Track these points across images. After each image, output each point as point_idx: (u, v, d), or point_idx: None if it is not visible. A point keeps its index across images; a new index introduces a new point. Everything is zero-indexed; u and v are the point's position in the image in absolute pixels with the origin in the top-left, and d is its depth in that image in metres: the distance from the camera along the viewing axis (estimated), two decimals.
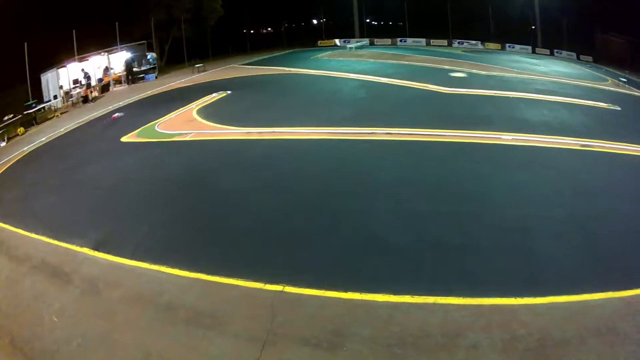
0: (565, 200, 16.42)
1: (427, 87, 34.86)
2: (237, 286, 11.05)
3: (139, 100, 33.27)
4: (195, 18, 53.82)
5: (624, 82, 46.07)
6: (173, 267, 11.84)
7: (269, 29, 79.21)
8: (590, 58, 69.80)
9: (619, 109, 32.05)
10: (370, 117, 25.16)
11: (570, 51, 72.85)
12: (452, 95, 32.43)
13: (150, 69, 44.97)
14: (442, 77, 40.25)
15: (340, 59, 53.79)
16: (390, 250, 12.85)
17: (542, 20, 77.25)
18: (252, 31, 74.51)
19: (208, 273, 11.51)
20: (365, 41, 72.80)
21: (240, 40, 69.10)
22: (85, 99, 33.89)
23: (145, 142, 22.66)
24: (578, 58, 71.08)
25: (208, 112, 27.15)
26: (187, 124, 24.65)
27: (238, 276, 11.32)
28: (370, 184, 17.27)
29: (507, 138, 22.59)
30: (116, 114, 31.14)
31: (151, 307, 10.52)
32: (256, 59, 55.23)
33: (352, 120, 24.44)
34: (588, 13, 70.89)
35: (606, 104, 32.73)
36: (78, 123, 27.50)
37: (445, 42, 76.44)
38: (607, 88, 42.49)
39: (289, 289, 10.91)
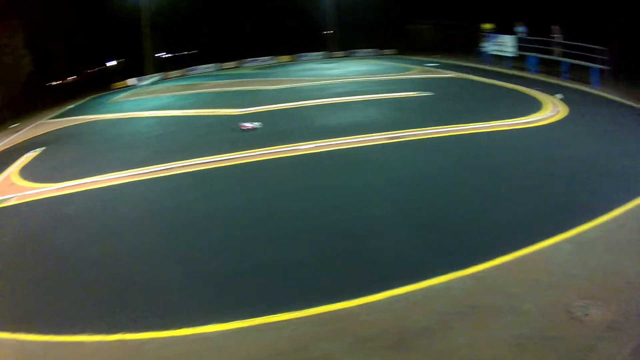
0: (384, 196, 17.34)
1: (218, 112, 36.04)
2: (82, 342, 10.87)
3: None
4: (6, 78, 51.94)
5: (433, 66, 49.50)
6: (17, 332, 11.48)
7: (73, 76, 78.31)
8: (393, 51, 74.77)
9: (431, 94, 34.54)
10: (170, 152, 25.37)
11: (370, 48, 77.31)
12: (245, 116, 32.99)
13: None
14: (233, 100, 41.83)
15: (136, 98, 54.03)
16: (217, 280, 12.95)
17: (339, 22, 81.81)
18: (57, 82, 73.85)
19: (55, 334, 11.23)
20: (158, 76, 73.43)
21: (47, 93, 65.11)
22: None
23: None
24: (380, 53, 75.63)
25: (27, 173, 26.18)
26: (9, 188, 23.73)
27: (82, 332, 11.13)
28: (191, 218, 17.31)
29: (308, 147, 23.39)
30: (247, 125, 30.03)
31: None
32: (62, 110, 54.06)
33: (151, 159, 24.53)
34: (385, 8, 75.47)
35: (414, 93, 35.15)
36: None
37: (236, 63, 78.89)
38: (413, 77, 45.86)
39: (128, 336, 10.85)
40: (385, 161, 21.15)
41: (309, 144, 23.97)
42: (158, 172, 22.64)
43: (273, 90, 45.40)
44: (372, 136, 24.38)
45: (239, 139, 27.14)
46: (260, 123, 29.27)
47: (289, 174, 20.87)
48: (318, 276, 12.52)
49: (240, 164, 22.53)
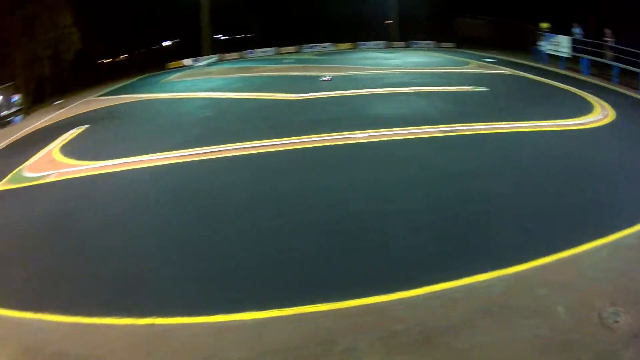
0: (428, 190, 17.13)
1: (274, 96, 35.78)
2: (113, 325, 10.84)
3: (10, 145, 32.10)
4: (55, 54, 52.87)
5: (490, 62, 49.10)
6: (52, 314, 11.49)
7: (125, 55, 78.57)
8: (451, 44, 73.78)
9: (486, 89, 34.14)
10: (218, 134, 25.42)
11: (429, 40, 76.33)
12: (301, 101, 33.40)
13: (17, 111, 43.10)
14: (289, 84, 41.56)
15: (189, 79, 54.10)
16: (248, 268, 12.88)
17: (400, 12, 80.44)
18: (108, 60, 73.95)
19: (85, 316, 11.20)
20: (214, 58, 73.43)
21: (96, 71, 67.80)
22: None
23: (14, 188, 21.82)
24: (438, 46, 74.71)
25: (68, 150, 26.49)
26: (50, 164, 23.94)
27: (112, 315, 11.09)
28: (222, 204, 17.30)
29: (360, 136, 23.15)
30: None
31: None
32: (111, 89, 54.06)
33: (200, 141, 24.57)
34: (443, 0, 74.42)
35: (470, 87, 34.82)
36: None
37: (295, 48, 78.66)
38: (470, 71, 45.41)
39: (159, 320, 10.86)
40: (432, 155, 20.93)
41: (360, 132, 23.75)
42: (202, 154, 22.68)
43: (331, 77, 44.71)
44: (423, 128, 24.09)
45: (293, 123, 27.12)
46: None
47: (334, 163, 20.71)
48: (351, 270, 12.40)
49: (287, 150, 22.46)
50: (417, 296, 10.92)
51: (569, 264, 12.16)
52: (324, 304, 10.79)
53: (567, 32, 46.15)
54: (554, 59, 48.04)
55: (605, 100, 30.17)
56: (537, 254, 12.36)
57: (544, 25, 51.25)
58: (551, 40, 49.11)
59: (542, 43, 50.68)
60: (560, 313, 10.17)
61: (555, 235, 13.51)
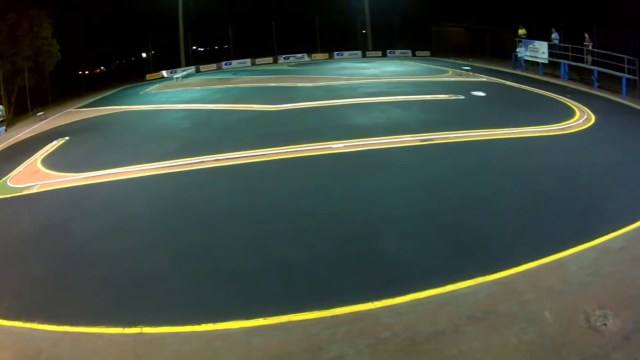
0: (411, 198, 17.23)
1: (252, 107, 35.83)
2: (101, 334, 10.93)
3: None
4: (35, 65, 52.57)
5: (467, 70, 49.17)
6: (43, 323, 11.51)
7: (102, 67, 78.44)
8: (427, 52, 74.56)
9: (463, 97, 34.43)
10: (198, 146, 25.49)
11: (405, 49, 77.09)
12: (278, 112, 33.44)
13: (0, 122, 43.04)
14: (267, 95, 41.67)
15: (168, 90, 53.88)
16: (237, 277, 12.98)
17: (374, 22, 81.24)
18: (86, 72, 73.89)
19: (73, 325, 11.28)
20: (192, 69, 72.99)
21: (75, 82, 66.45)
22: None
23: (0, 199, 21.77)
24: (414, 55, 75.60)
25: (50, 161, 26.45)
26: (34, 176, 23.95)
27: (99, 324, 11.17)
28: (214, 214, 17.32)
29: (339, 146, 23.37)
30: None
31: None
32: (90, 100, 54.27)
33: (181, 152, 24.62)
34: (420, 8, 74.37)
35: (447, 95, 35.08)
36: None
37: (270, 59, 78.66)
38: (447, 79, 45.64)
39: (147, 329, 10.92)
40: (413, 163, 21.15)
41: (339, 142, 23.97)
42: (183, 165, 22.68)
43: (308, 87, 45.40)
44: (402, 137, 24.38)
45: (270, 135, 27.09)
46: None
47: (314, 173, 20.85)
48: (339, 277, 12.51)
49: (268, 160, 22.53)
50: (403, 303, 11.04)
51: (555, 268, 12.34)
52: (310, 312, 10.87)
53: (546, 38, 46.74)
54: (533, 65, 48.74)
55: (586, 105, 30.91)
56: (523, 259, 12.55)
57: (521, 31, 51.90)
58: (529, 46, 49.62)
59: (519, 49, 51.22)
60: (547, 318, 10.30)
61: (541, 240, 13.73)
